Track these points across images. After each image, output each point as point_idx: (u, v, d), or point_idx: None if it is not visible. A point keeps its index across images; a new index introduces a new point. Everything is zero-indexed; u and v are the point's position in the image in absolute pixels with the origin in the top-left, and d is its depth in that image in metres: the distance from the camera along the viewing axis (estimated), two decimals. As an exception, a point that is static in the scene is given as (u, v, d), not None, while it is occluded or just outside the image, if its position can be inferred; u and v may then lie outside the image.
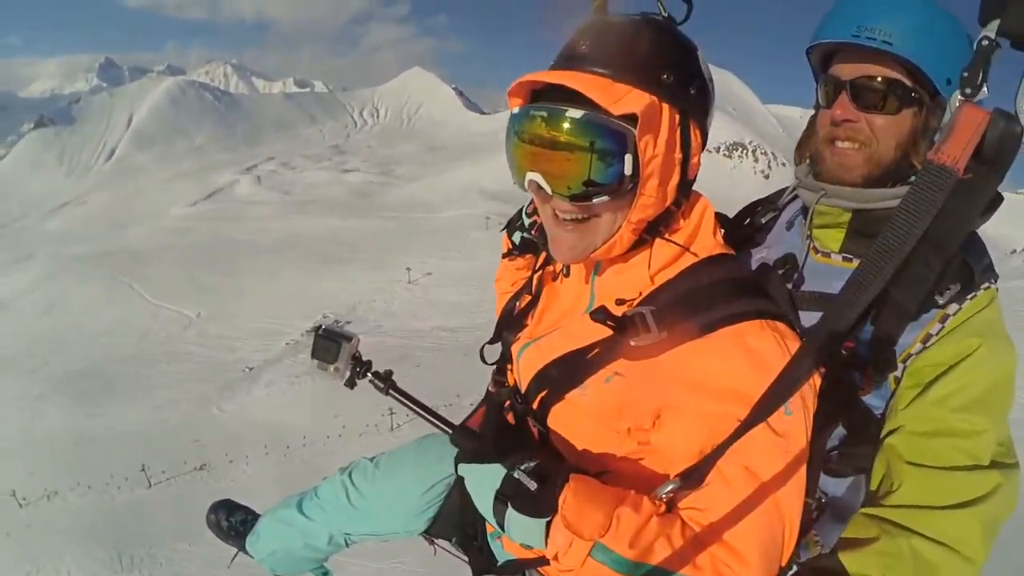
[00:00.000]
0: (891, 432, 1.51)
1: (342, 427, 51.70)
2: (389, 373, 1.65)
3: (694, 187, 1.52)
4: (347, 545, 2.32)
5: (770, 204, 1.95)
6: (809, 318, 1.50)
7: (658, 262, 1.45)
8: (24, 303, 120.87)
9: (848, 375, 1.48)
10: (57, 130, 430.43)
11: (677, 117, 1.35)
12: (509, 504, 1.34)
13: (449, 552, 2.20)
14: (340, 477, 2.31)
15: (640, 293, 1.46)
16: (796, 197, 1.86)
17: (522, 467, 1.33)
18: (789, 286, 1.67)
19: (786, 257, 1.73)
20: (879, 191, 1.59)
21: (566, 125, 1.31)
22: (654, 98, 1.30)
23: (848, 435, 1.55)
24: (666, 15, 1.46)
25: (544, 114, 1.34)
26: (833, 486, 1.63)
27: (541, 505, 1.30)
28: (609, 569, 1.25)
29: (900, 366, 1.51)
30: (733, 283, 1.41)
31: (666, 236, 1.45)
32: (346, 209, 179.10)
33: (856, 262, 1.54)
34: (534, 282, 1.76)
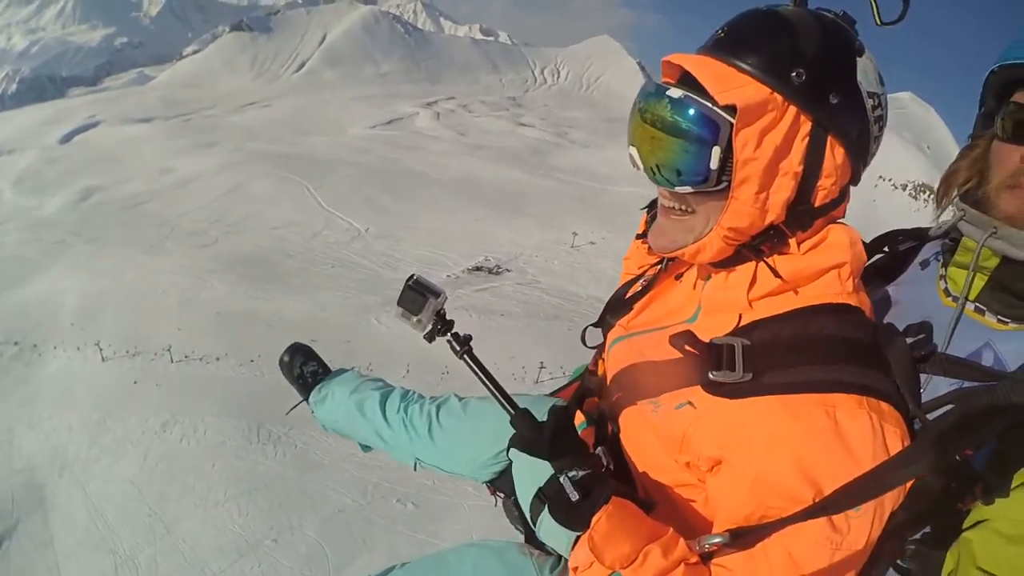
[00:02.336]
0: (972, 524, 1.30)
1: (494, 365, 50.21)
2: (468, 338, 1.66)
3: (844, 221, 1.40)
4: (415, 468, 2.39)
5: (912, 234, 1.76)
6: (935, 383, 1.41)
7: (761, 288, 1.35)
8: (205, 183, 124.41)
9: (954, 485, 1.27)
10: (253, 36, 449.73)
11: (808, 126, 1.25)
12: (546, 506, 1.32)
13: (505, 505, 2.18)
14: (429, 407, 2.35)
15: (740, 316, 1.36)
16: (943, 234, 1.65)
17: (570, 474, 1.30)
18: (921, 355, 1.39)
19: (922, 325, 1.44)
20: None
21: (663, 104, 1.28)
22: (777, 95, 1.22)
23: (931, 536, 1.38)
24: (876, 14, 1.34)
25: (652, 90, 1.32)
26: None
27: (575, 519, 1.27)
28: None
29: None
30: (846, 344, 1.28)
31: (766, 260, 1.34)
32: (518, 161, 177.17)
33: (988, 316, 1.44)
34: (654, 272, 1.69)
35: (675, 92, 1.26)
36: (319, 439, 30.49)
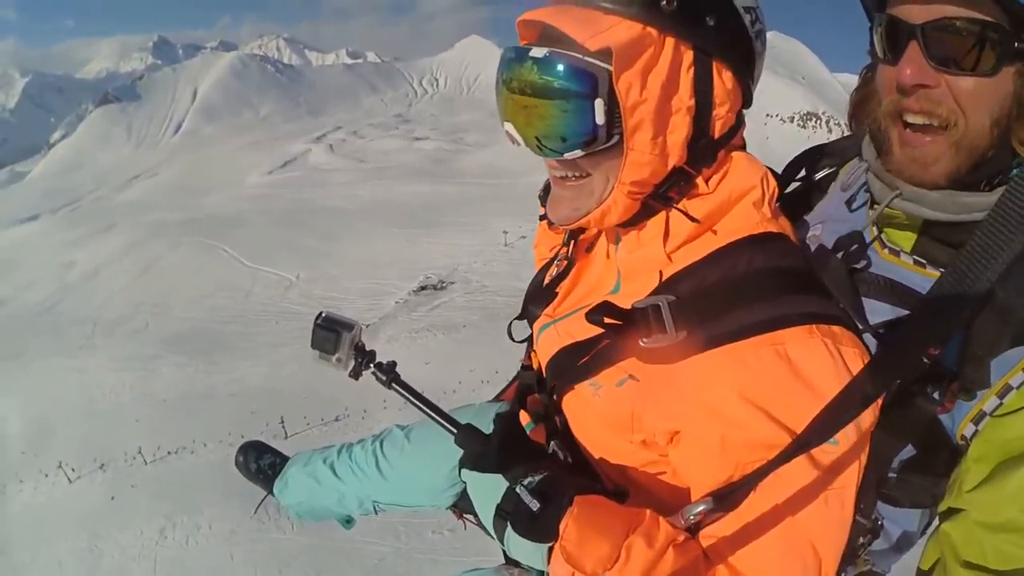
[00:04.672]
0: (950, 513, 1.19)
1: (458, 382, 48.47)
2: (393, 364, 1.53)
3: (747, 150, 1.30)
4: (376, 512, 2.33)
5: (831, 158, 1.58)
6: (872, 308, 1.23)
7: (676, 237, 1.24)
8: (115, 269, 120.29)
9: (927, 388, 1.17)
10: (122, 106, 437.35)
11: (690, 55, 1.14)
12: (508, 523, 1.21)
13: (478, 526, 2.05)
14: (372, 445, 2.27)
15: (660, 274, 1.25)
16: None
17: (525, 482, 1.19)
18: (859, 266, 1.30)
19: (852, 234, 1.33)
20: (971, 199, 1.16)
21: (528, 67, 1.15)
22: (650, 29, 1.10)
23: (913, 458, 1.27)
24: None
25: (512, 55, 1.19)
26: (890, 511, 1.36)
27: (540, 530, 1.15)
28: None
29: (972, 427, 1.16)
30: (780, 275, 1.18)
31: (678, 206, 1.22)
32: (425, 175, 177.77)
33: (931, 269, 1.23)
34: (567, 252, 1.56)
35: (538, 51, 1.14)
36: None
